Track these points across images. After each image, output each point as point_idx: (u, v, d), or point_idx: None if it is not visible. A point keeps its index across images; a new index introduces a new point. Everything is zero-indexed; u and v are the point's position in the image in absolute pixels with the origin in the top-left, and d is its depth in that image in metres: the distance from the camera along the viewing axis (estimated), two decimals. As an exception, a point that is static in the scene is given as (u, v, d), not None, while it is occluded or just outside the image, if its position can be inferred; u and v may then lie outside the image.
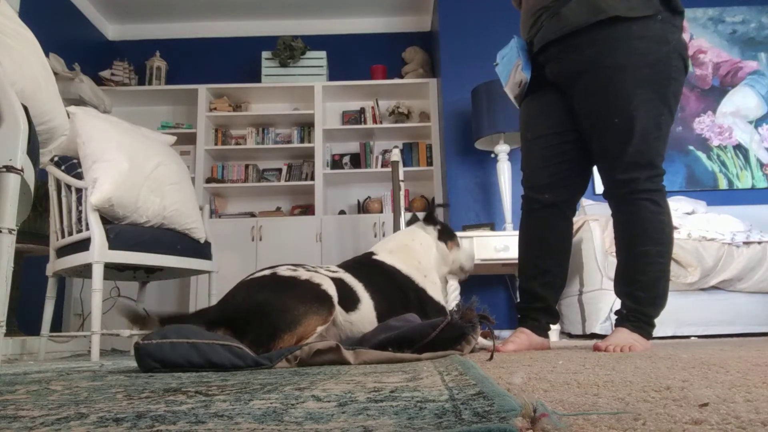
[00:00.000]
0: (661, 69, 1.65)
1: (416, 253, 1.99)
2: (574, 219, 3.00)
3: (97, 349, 2.23)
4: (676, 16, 1.69)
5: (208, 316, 1.44)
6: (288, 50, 4.56)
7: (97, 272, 2.21)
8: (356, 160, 4.67)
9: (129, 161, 2.32)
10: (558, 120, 1.85)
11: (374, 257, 1.96)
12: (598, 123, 1.71)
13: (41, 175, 2.01)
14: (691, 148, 3.96)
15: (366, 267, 1.86)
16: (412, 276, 1.90)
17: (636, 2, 1.64)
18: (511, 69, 1.90)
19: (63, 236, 2.38)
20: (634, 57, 1.64)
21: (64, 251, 2.38)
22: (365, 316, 1.66)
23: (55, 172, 2.36)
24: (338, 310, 1.56)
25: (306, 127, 4.67)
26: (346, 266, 1.84)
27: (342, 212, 4.56)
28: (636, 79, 1.64)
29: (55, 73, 3.29)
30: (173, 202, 2.47)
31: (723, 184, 3.90)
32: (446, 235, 2.15)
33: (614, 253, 1.91)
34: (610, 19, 1.64)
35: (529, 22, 1.85)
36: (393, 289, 1.82)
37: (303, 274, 1.55)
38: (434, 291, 1.93)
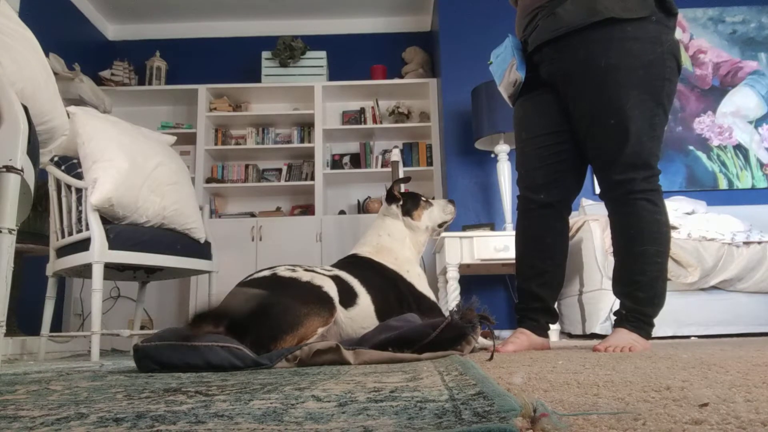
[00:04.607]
0: (656, 70, 1.65)
1: (391, 251, 2.02)
2: (574, 219, 3.01)
3: (97, 349, 2.23)
4: (670, 18, 1.69)
5: (208, 321, 1.43)
6: (288, 50, 4.55)
7: (97, 272, 2.21)
8: (356, 160, 4.66)
9: (129, 161, 2.32)
10: (553, 120, 1.85)
11: (361, 256, 1.99)
12: (593, 124, 1.71)
13: (41, 175, 2.01)
14: (691, 148, 3.96)
15: (357, 265, 1.90)
16: (398, 270, 1.96)
17: (631, 3, 1.64)
18: (505, 68, 1.91)
19: (63, 236, 2.38)
20: (628, 58, 1.64)
21: (64, 251, 2.38)
22: (364, 310, 1.68)
23: (55, 172, 2.36)
24: (338, 308, 1.57)
25: (306, 127, 4.67)
26: (340, 265, 1.87)
27: (342, 212, 4.56)
28: (631, 80, 1.64)
29: (55, 73, 3.29)
30: (173, 202, 2.47)
31: (723, 184, 3.90)
32: (409, 206, 2.17)
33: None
34: (605, 20, 1.64)
35: (524, 21, 1.85)
36: (386, 283, 1.86)
37: (303, 276, 1.55)
38: (422, 286, 1.98)
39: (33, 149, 1.33)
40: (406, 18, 4.99)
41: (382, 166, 4.55)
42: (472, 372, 0.85)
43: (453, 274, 3.11)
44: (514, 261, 1.95)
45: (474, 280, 3.70)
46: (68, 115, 2.11)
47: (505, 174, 3.46)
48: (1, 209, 1.17)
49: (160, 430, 0.47)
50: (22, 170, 1.21)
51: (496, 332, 3.16)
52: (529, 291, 1.87)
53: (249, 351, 1.24)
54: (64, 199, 2.36)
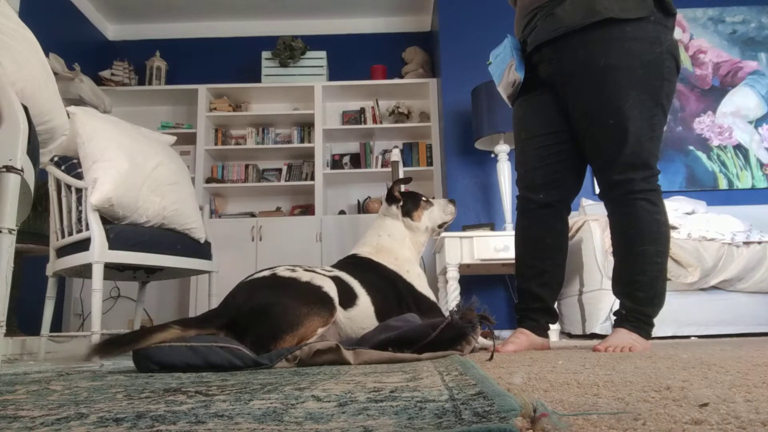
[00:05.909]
0: (655, 70, 1.65)
1: (391, 251, 2.02)
2: (574, 219, 3.01)
3: (97, 349, 2.23)
4: (669, 18, 1.69)
5: (209, 320, 1.43)
6: (288, 50, 4.55)
7: (97, 272, 2.21)
8: (356, 160, 4.66)
9: (129, 161, 2.32)
10: (552, 120, 1.85)
11: (361, 256, 1.99)
12: (593, 124, 1.71)
13: (41, 175, 2.01)
14: (691, 148, 3.96)
15: (357, 265, 1.90)
16: (398, 271, 1.95)
17: (630, 4, 1.64)
18: (504, 68, 1.91)
19: (63, 236, 2.38)
20: (628, 58, 1.64)
21: (64, 251, 2.38)
22: (363, 311, 1.69)
23: (55, 172, 2.36)
24: (338, 308, 1.57)
25: (306, 127, 4.67)
26: (340, 265, 1.87)
27: (342, 212, 4.56)
28: (630, 80, 1.64)
29: (55, 73, 3.29)
30: (173, 202, 2.47)
31: (723, 184, 3.90)
32: (409, 206, 2.17)
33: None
34: (604, 20, 1.64)
35: (523, 21, 1.85)
36: (385, 283, 1.86)
37: (303, 276, 1.55)
38: (422, 286, 1.98)
39: (33, 149, 1.33)
40: (406, 18, 4.99)
41: (382, 166, 4.55)
42: (472, 372, 0.85)
43: (453, 274, 3.11)
44: (514, 261, 1.95)
45: (474, 280, 3.70)
46: (68, 115, 2.11)
47: (505, 174, 3.46)
48: (1, 209, 1.17)
49: (160, 430, 0.47)
50: (22, 170, 1.21)
51: (496, 332, 3.16)
52: (529, 291, 1.87)
53: (249, 351, 1.24)
54: (64, 199, 2.36)
